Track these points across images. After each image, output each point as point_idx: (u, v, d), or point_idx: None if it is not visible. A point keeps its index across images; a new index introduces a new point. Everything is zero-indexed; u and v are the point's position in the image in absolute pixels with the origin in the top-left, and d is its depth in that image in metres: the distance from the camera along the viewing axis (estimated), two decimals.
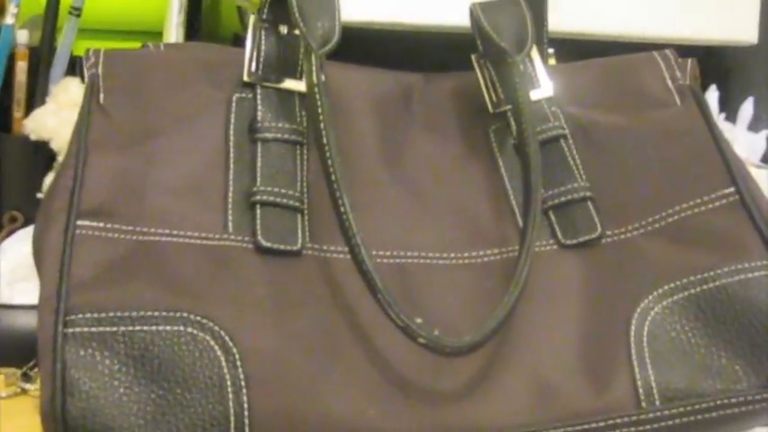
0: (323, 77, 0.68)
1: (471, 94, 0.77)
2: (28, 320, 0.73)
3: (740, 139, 0.95)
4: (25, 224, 0.89)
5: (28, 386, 0.73)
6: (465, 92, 0.77)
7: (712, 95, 0.96)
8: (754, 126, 0.97)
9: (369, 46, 0.80)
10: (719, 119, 0.95)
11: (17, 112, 0.93)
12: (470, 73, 0.78)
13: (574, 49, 0.82)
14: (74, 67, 0.94)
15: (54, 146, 0.90)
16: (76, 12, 0.93)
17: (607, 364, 0.66)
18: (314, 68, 0.68)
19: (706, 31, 0.91)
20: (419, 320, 0.63)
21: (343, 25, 0.72)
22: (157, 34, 0.99)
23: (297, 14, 0.70)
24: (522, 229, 0.69)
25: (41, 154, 0.91)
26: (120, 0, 1.11)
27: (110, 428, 0.61)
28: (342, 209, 0.64)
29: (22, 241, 0.85)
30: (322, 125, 0.67)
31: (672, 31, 0.91)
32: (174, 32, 0.97)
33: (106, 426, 0.61)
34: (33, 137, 0.90)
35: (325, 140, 0.66)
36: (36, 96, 0.93)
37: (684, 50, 0.80)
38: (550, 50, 0.81)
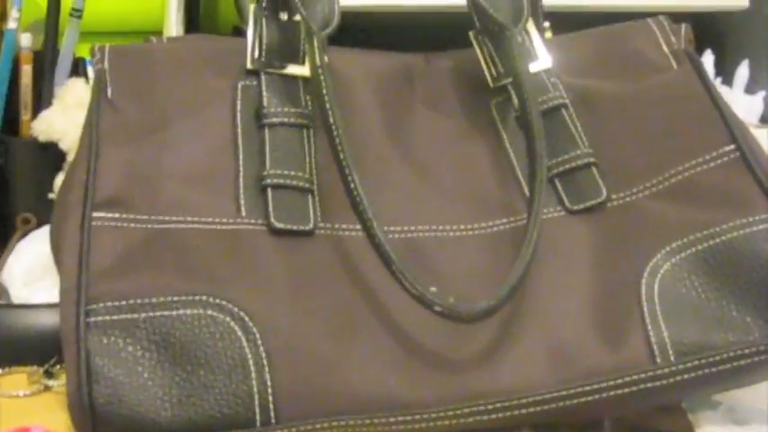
0: (326, 58, 0.69)
1: (471, 71, 0.78)
2: (47, 319, 0.74)
3: (738, 101, 0.96)
4: (38, 225, 0.90)
5: (51, 383, 0.74)
6: (465, 68, 0.79)
7: (708, 59, 0.96)
8: (751, 88, 0.98)
9: (367, 31, 0.81)
10: (716, 83, 0.96)
11: (24, 115, 0.93)
12: (470, 50, 0.79)
13: (568, 22, 0.82)
14: (77, 69, 0.96)
15: (63, 146, 0.90)
16: (77, 13, 0.94)
17: (620, 323, 0.67)
18: (316, 49, 0.69)
19: None
20: (434, 289, 0.64)
21: (342, 10, 0.73)
22: (157, 33, 1.00)
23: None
24: (530, 196, 0.70)
25: (51, 155, 0.91)
26: (118, 2, 1.11)
27: (137, 413, 0.62)
28: (352, 185, 0.66)
29: (36, 242, 0.85)
30: (328, 105, 0.68)
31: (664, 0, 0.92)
32: (173, 29, 0.99)
33: (133, 411, 0.62)
34: (42, 138, 0.91)
35: (331, 119, 0.67)
36: (42, 98, 0.93)
37: (677, 17, 0.81)
38: (546, 24, 0.82)
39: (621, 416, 0.70)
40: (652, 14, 0.81)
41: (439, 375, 0.65)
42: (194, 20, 1.06)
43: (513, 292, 0.65)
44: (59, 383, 0.72)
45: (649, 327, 0.66)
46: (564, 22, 0.82)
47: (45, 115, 0.91)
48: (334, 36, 0.72)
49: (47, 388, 0.74)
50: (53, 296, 0.67)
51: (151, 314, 0.64)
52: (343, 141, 0.67)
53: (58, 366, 0.74)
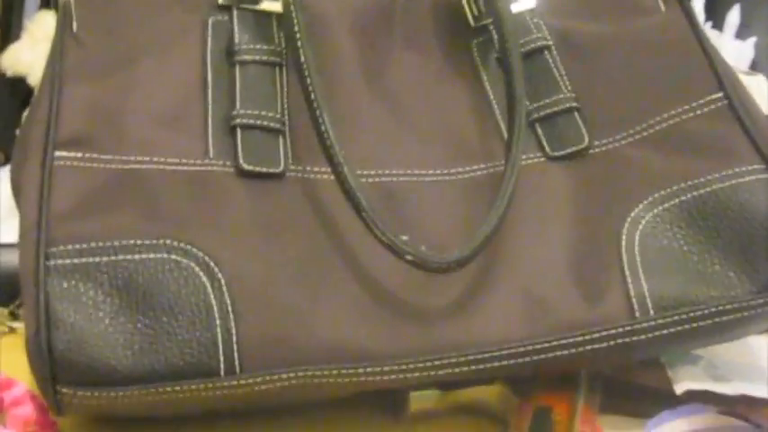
0: None
1: (452, 10, 0.75)
2: (13, 258, 0.72)
3: (727, 46, 0.94)
4: (6, 162, 0.88)
5: (16, 324, 0.73)
6: (446, 7, 0.76)
7: (698, 2, 0.94)
8: (741, 33, 0.96)
9: None
10: (706, 27, 0.93)
11: None
12: None
13: None
14: (48, 1, 0.93)
15: (31, 81, 0.88)
16: None
17: (599, 275, 0.65)
18: None
19: None
20: (405, 238, 0.62)
21: None
22: None
23: None
24: (507, 140, 0.67)
25: (19, 90, 0.89)
26: None
27: (96, 360, 0.60)
28: (322, 127, 0.63)
29: (3, 180, 0.83)
30: (299, 42, 0.65)
31: None
32: None
33: (92, 358, 0.60)
34: (10, 73, 0.89)
35: (302, 58, 0.65)
36: (11, 32, 0.91)
37: None
38: None
39: (598, 369, 0.68)
40: None
41: (410, 326, 0.63)
42: None
43: (487, 243, 0.63)
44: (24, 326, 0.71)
45: (629, 280, 0.65)
46: None
47: (13, 49, 0.89)
48: None
49: (11, 330, 0.72)
50: None
51: (113, 258, 0.61)
52: (315, 80, 0.65)
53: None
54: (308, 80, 0.65)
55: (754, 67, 0.96)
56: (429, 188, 0.68)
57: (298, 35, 0.66)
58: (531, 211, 0.67)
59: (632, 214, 0.66)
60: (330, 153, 0.63)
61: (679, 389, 0.67)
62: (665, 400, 0.67)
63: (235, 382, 0.61)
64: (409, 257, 0.62)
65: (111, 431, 0.66)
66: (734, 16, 0.95)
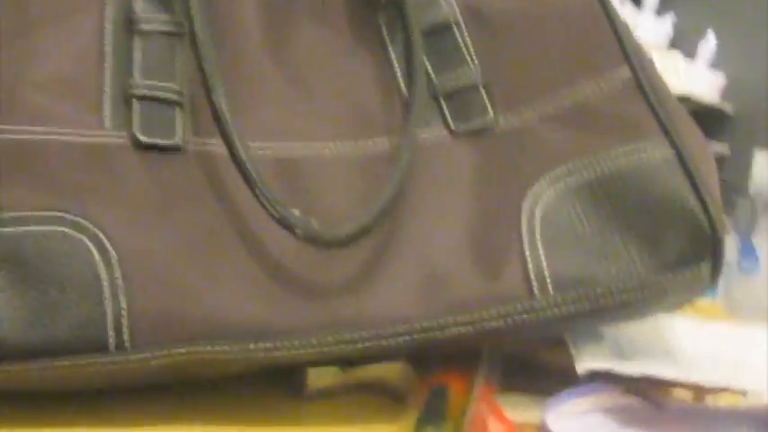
0: None
1: None
2: None
3: (645, 23, 0.93)
4: None
5: None
6: None
7: None
8: (662, 11, 0.95)
9: None
10: (625, 2, 0.93)
11: None
12: None
13: None
14: None
15: None
16: None
17: (498, 252, 0.64)
18: None
19: None
20: (296, 212, 0.61)
21: None
22: None
23: None
24: (404, 113, 0.66)
25: None
26: None
27: None
28: (213, 97, 0.62)
29: None
30: (192, 11, 0.64)
31: None
32: None
33: None
34: None
35: (196, 25, 0.64)
36: None
37: None
38: None
39: (498, 347, 0.68)
40: None
41: (304, 302, 0.62)
42: None
43: (381, 217, 0.62)
44: None
45: (528, 257, 0.64)
46: None
47: None
48: None
49: None
50: None
51: (1, 229, 0.60)
52: (208, 49, 0.63)
53: None
54: (201, 48, 0.63)
55: (673, 44, 0.96)
56: (330, 162, 0.67)
57: (191, 2, 0.64)
58: (430, 186, 0.66)
59: (533, 189, 0.65)
60: (221, 123, 0.62)
61: (581, 368, 0.66)
62: (568, 379, 0.66)
63: (124, 358, 0.60)
64: (299, 231, 0.61)
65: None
66: None
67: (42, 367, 0.59)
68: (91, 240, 0.60)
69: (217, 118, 0.62)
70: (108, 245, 0.61)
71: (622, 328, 0.71)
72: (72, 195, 0.62)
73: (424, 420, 0.61)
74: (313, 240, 0.61)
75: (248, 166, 0.61)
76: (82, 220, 0.61)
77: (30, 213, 0.61)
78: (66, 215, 0.61)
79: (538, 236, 0.64)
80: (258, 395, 0.67)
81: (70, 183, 0.62)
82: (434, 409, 0.62)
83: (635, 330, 0.72)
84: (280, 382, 0.68)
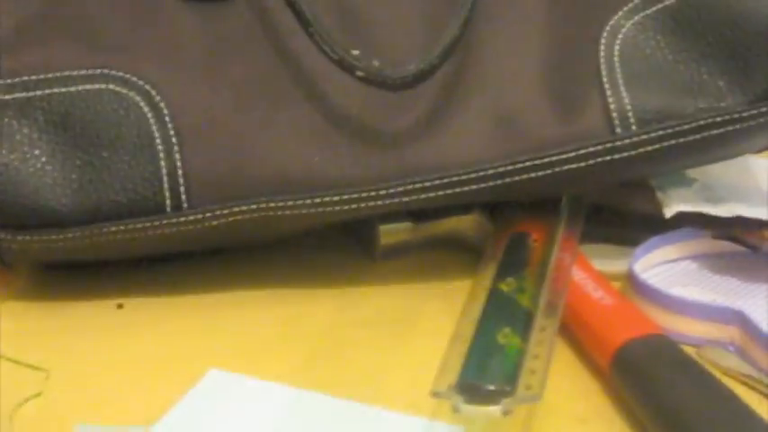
0: None
1: None
2: None
3: None
4: None
5: None
6: None
7: None
8: None
9: None
10: None
11: None
12: None
13: None
14: None
15: None
16: None
17: (576, 89, 0.60)
18: None
19: None
20: (356, 52, 0.57)
21: None
22: None
23: None
24: None
25: None
26: None
27: (34, 201, 0.57)
28: None
29: None
30: None
31: None
32: None
33: (30, 198, 0.57)
34: None
35: None
36: None
37: None
38: None
39: (580, 194, 0.64)
40: None
41: (370, 150, 0.58)
42: None
43: (447, 54, 0.59)
44: None
45: (608, 93, 0.59)
46: None
47: None
48: None
49: None
50: None
51: (48, 91, 0.58)
52: None
53: None
54: None
55: None
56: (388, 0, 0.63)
57: None
58: (500, 18, 0.62)
59: (611, 22, 0.61)
60: None
61: (669, 212, 0.62)
62: (655, 227, 0.63)
63: (183, 219, 0.57)
64: (360, 73, 0.57)
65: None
66: None
67: (98, 233, 0.57)
68: (141, 96, 0.58)
69: None
70: (158, 100, 0.58)
71: (711, 171, 0.66)
72: (119, 50, 0.59)
73: (503, 271, 0.57)
74: (376, 81, 0.58)
75: (302, 6, 0.57)
76: (130, 76, 0.59)
77: (77, 72, 0.58)
78: (114, 72, 0.58)
79: (618, 70, 0.60)
80: (330, 257, 0.65)
81: (116, 37, 0.60)
82: (514, 259, 0.59)
83: (724, 173, 0.67)
84: (351, 242, 0.66)
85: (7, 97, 0.58)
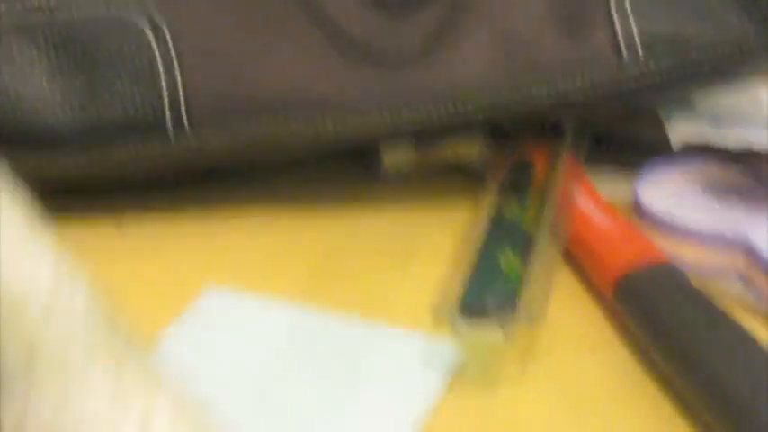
0: None
1: None
2: None
3: None
4: None
5: None
6: None
7: None
8: None
9: None
10: None
11: None
12: None
13: None
14: None
15: None
16: None
17: (582, 13, 0.59)
18: None
19: None
20: None
21: None
22: None
23: None
24: None
25: None
26: None
27: (33, 122, 0.57)
28: None
29: None
30: None
31: None
32: None
33: (29, 120, 0.57)
34: None
35: None
36: None
37: None
38: None
39: (585, 120, 0.63)
40: None
41: (372, 70, 0.58)
42: None
43: None
44: None
45: (615, 17, 0.59)
46: None
47: None
48: None
49: None
50: None
51: (49, 15, 0.57)
52: None
53: None
54: None
55: None
56: None
57: None
58: None
59: None
60: None
61: (675, 137, 0.62)
62: (661, 152, 0.63)
63: (183, 140, 0.57)
64: None
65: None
66: None
67: (97, 153, 0.57)
68: (143, 18, 0.58)
69: None
70: (160, 21, 0.57)
71: (718, 98, 0.66)
72: None
73: (505, 194, 0.57)
74: (379, 2, 0.58)
75: None
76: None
77: None
78: None
79: None
80: (333, 180, 0.65)
81: None
82: (517, 182, 0.58)
83: (733, 100, 0.67)
84: (353, 166, 0.65)
85: (8, 21, 0.57)
